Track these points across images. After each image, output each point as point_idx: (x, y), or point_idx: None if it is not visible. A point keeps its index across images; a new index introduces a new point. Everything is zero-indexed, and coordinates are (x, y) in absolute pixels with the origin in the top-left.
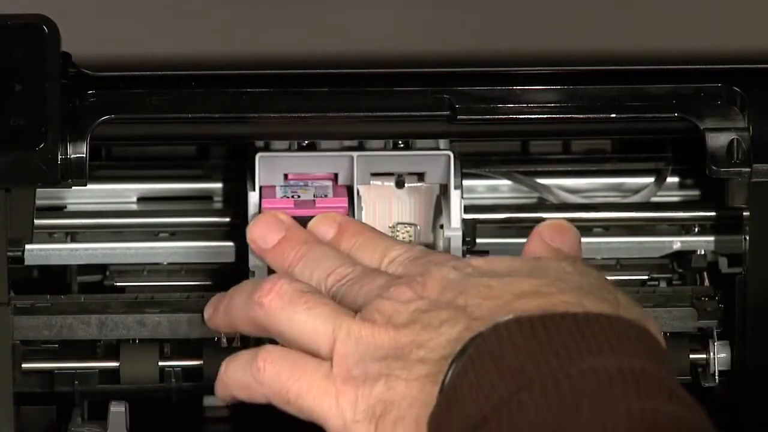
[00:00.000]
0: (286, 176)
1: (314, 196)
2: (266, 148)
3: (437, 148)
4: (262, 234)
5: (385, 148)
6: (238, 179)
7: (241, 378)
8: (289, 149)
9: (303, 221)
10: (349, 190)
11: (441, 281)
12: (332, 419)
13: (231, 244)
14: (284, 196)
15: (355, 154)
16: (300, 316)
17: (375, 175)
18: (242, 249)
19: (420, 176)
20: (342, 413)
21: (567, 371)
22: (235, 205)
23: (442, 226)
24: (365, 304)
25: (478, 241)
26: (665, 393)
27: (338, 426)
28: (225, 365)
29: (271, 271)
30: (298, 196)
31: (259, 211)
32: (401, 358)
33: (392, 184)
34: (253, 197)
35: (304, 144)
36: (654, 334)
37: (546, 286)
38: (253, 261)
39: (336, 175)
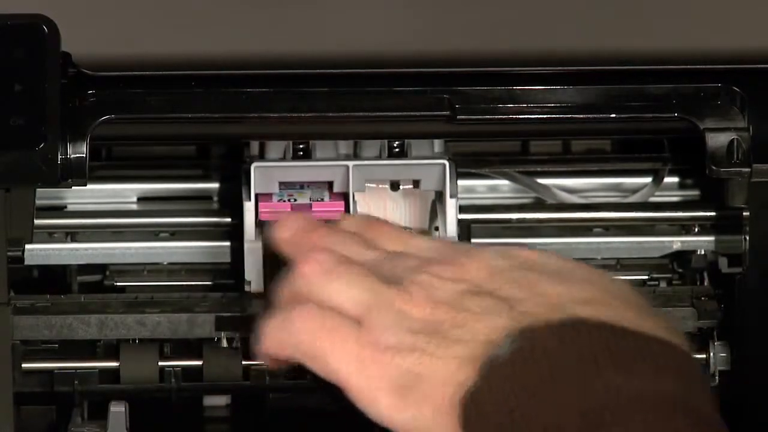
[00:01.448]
0: (281, 185)
1: (310, 199)
2: (261, 157)
3: (433, 156)
4: (285, 229)
5: (380, 156)
6: (238, 179)
7: (275, 331)
8: (284, 158)
9: None
10: (344, 196)
11: (486, 267)
12: (354, 383)
13: (230, 244)
14: (280, 199)
15: (350, 163)
16: (337, 284)
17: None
18: (241, 249)
19: (415, 183)
20: (367, 379)
21: (606, 381)
22: (235, 205)
23: (437, 228)
24: (402, 278)
25: (476, 241)
26: (704, 423)
27: (360, 389)
28: (263, 321)
29: (266, 279)
30: (295, 199)
31: (256, 216)
32: (438, 334)
33: (387, 186)
34: (248, 207)
35: (300, 152)
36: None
37: (608, 299)
38: (249, 268)
39: (331, 183)
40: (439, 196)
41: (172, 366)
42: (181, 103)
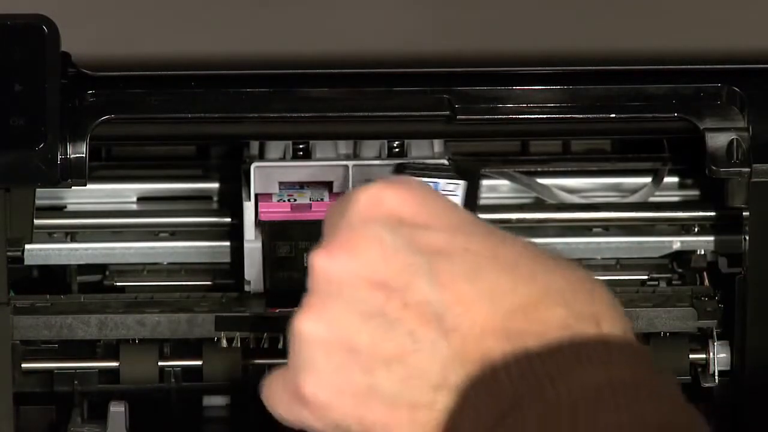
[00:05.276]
0: (281, 185)
1: (310, 199)
2: (261, 157)
3: (433, 156)
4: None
5: (380, 156)
6: (238, 179)
7: None
8: (284, 158)
9: (299, 225)
10: None
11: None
12: None
13: (230, 244)
14: (280, 199)
15: (350, 163)
16: None
17: None
18: (241, 249)
19: None
20: None
21: (557, 390)
22: (235, 205)
23: None
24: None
25: None
26: (655, 399)
27: None
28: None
29: (268, 270)
30: (294, 200)
31: (256, 216)
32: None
33: None
34: (248, 207)
35: (300, 152)
36: (637, 342)
37: (533, 297)
38: (249, 268)
39: (331, 183)
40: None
41: (172, 366)
42: (181, 103)
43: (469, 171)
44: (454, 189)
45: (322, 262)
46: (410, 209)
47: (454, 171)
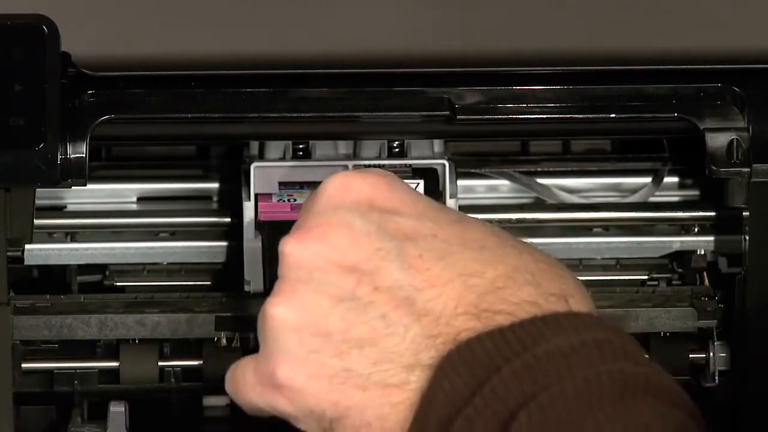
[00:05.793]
0: (281, 185)
1: None
2: (261, 157)
3: (433, 156)
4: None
5: (380, 156)
6: (238, 179)
7: None
8: (284, 158)
9: None
10: None
11: (345, 237)
12: None
13: (230, 244)
14: (280, 199)
15: (350, 163)
16: None
17: None
18: (241, 249)
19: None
20: None
21: (533, 353)
22: (235, 205)
23: None
24: None
25: None
26: (630, 357)
27: None
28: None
29: (268, 270)
30: (294, 200)
31: (256, 216)
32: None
33: None
34: (248, 207)
35: (300, 152)
36: (604, 317)
37: (502, 278)
38: (249, 268)
39: None
40: (439, 196)
41: (172, 366)
42: (181, 103)
43: (427, 171)
44: (414, 188)
45: (291, 248)
46: (380, 195)
47: (411, 171)
